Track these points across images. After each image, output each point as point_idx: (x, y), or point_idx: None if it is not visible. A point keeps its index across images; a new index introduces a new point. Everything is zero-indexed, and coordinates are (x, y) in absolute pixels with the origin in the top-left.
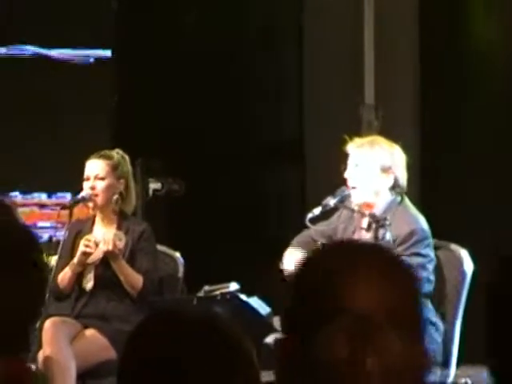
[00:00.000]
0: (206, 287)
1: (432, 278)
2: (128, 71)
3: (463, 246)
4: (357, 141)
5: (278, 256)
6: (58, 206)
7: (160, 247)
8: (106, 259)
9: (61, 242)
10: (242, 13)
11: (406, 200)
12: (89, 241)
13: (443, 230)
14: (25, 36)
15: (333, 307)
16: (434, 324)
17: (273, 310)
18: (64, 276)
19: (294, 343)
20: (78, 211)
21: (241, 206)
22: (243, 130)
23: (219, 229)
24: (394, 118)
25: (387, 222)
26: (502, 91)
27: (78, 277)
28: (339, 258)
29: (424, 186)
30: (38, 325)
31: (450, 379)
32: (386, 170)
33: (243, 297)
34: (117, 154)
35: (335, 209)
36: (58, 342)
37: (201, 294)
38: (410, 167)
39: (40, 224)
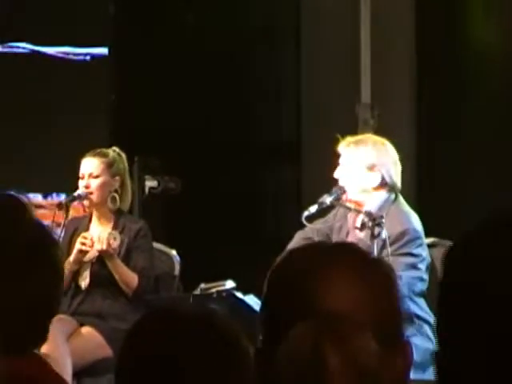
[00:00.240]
0: (203, 285)
1: (425, 276)
2: (125, 69)
3: None
4: (346, 140)
5: (275, 254)
6: (54, 207)
7: (156, 245)
8: (102, 257)
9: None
10: (241, 13)
11: (400, 198)
12: (85, 238)
13: (440, 228)
14: (22, 34)
15: (304, 307)
16: (428, 322)
17: None
18: None
19: (266, 343)
20: (74, 210)
21: (237, 204)
22: (241, 128)
23: (215, 227)
24: (390, 117)
25: (383, 220)
26: (498, 91)
27: (74, 274)
28: (311, 259)
29: (420, 185)
30: None
31: None
32: (370, 167)
33: (239, 295)
34: (113, 151)
35: (331, 207)
36: (55, 340)
37: (197, 291)
38: (404, 164)
39: None
